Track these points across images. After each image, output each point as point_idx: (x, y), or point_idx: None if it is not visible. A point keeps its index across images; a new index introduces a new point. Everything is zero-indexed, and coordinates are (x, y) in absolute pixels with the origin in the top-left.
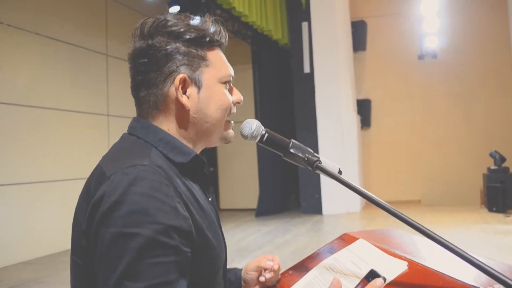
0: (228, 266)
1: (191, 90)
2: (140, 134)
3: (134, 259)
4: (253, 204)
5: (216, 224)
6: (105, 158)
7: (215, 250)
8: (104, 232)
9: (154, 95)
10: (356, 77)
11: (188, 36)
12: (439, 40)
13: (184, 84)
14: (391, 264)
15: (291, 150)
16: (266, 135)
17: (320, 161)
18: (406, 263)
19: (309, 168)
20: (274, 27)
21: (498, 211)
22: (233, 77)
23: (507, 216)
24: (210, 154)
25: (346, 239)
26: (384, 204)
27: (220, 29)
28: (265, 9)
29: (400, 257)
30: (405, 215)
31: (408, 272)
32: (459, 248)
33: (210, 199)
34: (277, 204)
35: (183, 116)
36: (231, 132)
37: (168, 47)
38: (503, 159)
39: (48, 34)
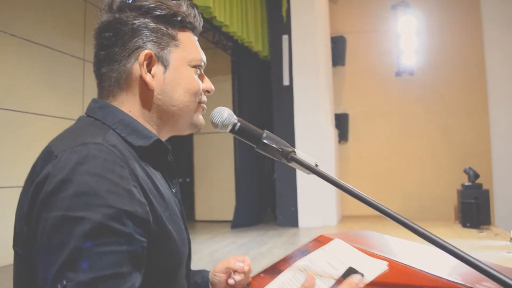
0: None
1: (157, 68)
2: (97, 116)
3: (79, 247)
4: (229, 215)
5: (179, 216)
6: (56, 138)
7: (175, 243)
8: (46, 217)
9: (116, 71)
10: (335, 91)
11: (158, 12)
12: (416, 58)
13: (149, 62)
14: (371, 263)
15: (265, 141)
16: (239, 124)
17: (295, 152)
18: (387, 262)
19: (283, 160)
20: (255, 39)
21: (472, 226)
22: (204, 63)
23: (480, 232)
24: (187, 164)
25: (322, 241)
26: (365, 197)
27: (195, 13)
28: (246, 20)
29: (379, 257)
30: (388, 209)
31: (389, 272)
32: (454, 246)
33: (174, 191)
34: (253, 216)
35: (146, 97)
36: (201, 117)
37: (135, 21)
38: (476, 176)
39: (24, 36)
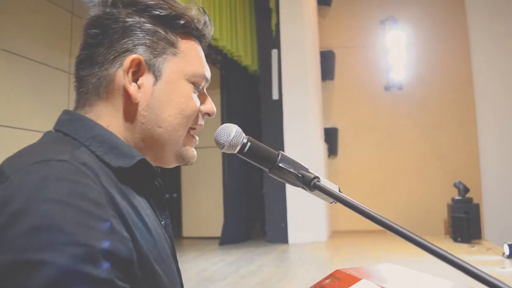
0: None
1: (145, 78)
2: (67, 130)
3: None
4: (217, 232)
5: (170, 256)
6: (11, 155)
7: None
8: None
9: (96, 76)
10: (324, 105)
11: (158, 12)
12: (405, 72)
13: (138, 70)
14: None
15: (280, 164)
16: (249, 144)
17: (318, 178)
18: None
19: (304, 187)
20: (244, 53)
21: (463, 241)
22: (207, 80)
23: (472, 246)
24: (174, 179)
25: (341, 278)
26: (399, 228)
27: (205, 20)
28: (236, 34)
29: None
30: (424, 240)
31: None
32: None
33: (163, 223)
34: (242, 232)
35: (128, 111)
36: (191, 150)
37: (128, 19)
38: (466, 190)
39: (8, 49)
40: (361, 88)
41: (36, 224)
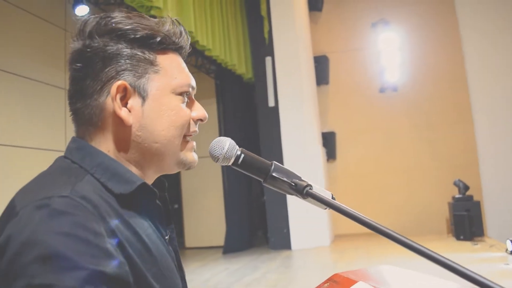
0: None
1: (134, 101)
2: (74, 158)
3: None
4: (220, 241)
5: (173, 269)
6: (22, 188)
7: None
8: None
9: (88, 107)
10: (321, 110)
11: (133, 36)
12: (398, 74)
13: (125, 94)
14: None
15: (274, 174)
16: (242, 156)
17: (311, 186)
18: None
19: (297, 195)
20: (238, 62)
21: (466, 239)
22: (193, 88)
23: (475, 244)
24: (174, 190)
25: (339, 282)
26: (388, 230)
27: (180, 30)
28: (229, 43)
29: None
30: (414, 242)
31: None
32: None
33: (167, 237)
34: (245, 240)
35: (124, 134)
36: (190, 155)
37: (107, 47)
38: (466, 188)
39: (2, 67)
40: (356, 91)
41: (43, 253)
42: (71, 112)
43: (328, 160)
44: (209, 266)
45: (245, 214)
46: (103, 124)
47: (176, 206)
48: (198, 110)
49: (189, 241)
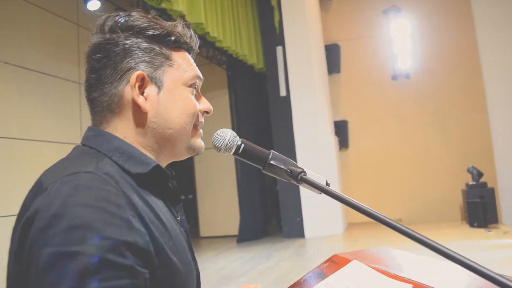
0: None
1: (150, 90)
2: (92, 144)
3: (76, 284)
4: (234, 230)
5: (185, 246)
6: (47, 169)
7: (181, 276)
8: (38, 254)
9: (107, 95)
10: (332, 99)
11: (151, 32)
12: (411, 61)
13: (142, 83)
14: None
15: (272, 162)
16: (242, 145)
17: (305, 172)
18: (411, 285)
19: (292, 181)
20: (249, 52)
21: (480, 226)
22: (201, 79)
23: (489, 231)
24: (188, 180)
25: (337, 262)
26: (378, 214)
27: (191, 33)
28: (240, 34)
29: (403, 279)
30: (400, 224)
31: None
32: (472, 261)
33: (178, 219)
34: (259, 229)
35: (140, 120)
36: (199, 141)
37: (127, 41)
38: (480, 174)
39: (17, 63)
40: (368, 79)
41: (71, 224)
42: (88, 102)
43: (340, 148)
44: (224, 255)
45: (259, 203)
46: (120, 110)
47: (190, 196)
48: (205, 103)
49: (204, 231)
